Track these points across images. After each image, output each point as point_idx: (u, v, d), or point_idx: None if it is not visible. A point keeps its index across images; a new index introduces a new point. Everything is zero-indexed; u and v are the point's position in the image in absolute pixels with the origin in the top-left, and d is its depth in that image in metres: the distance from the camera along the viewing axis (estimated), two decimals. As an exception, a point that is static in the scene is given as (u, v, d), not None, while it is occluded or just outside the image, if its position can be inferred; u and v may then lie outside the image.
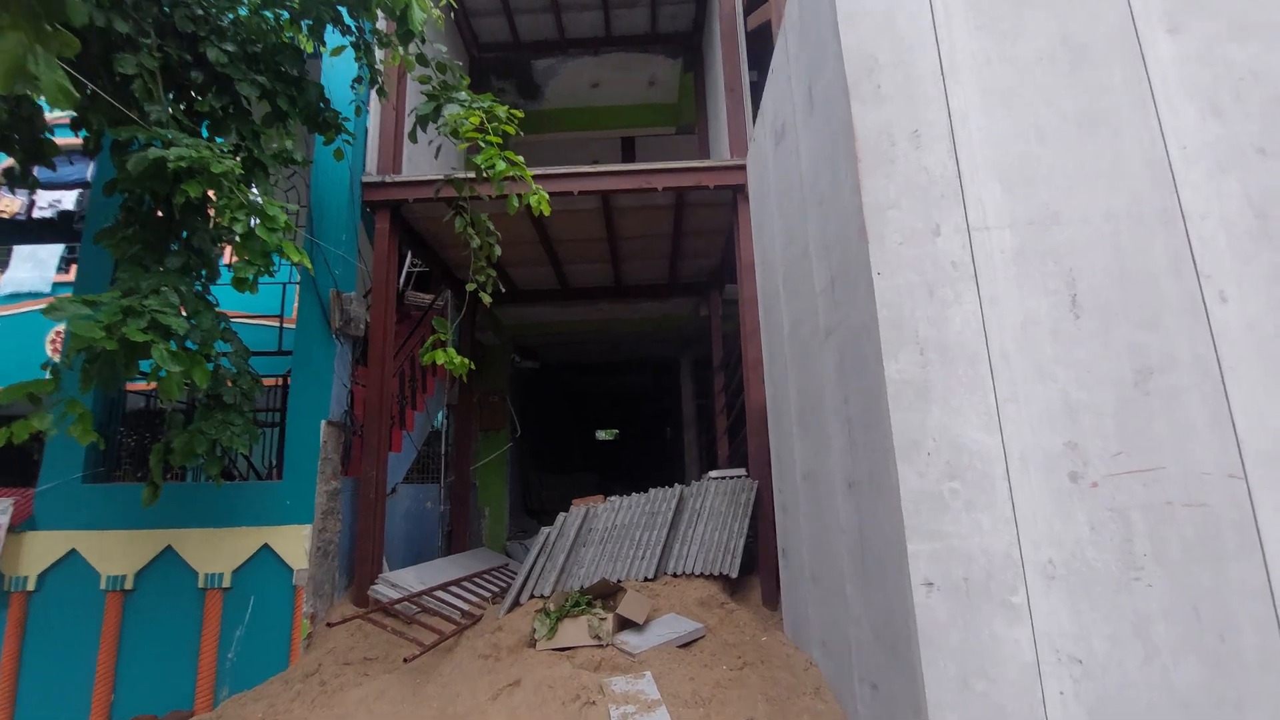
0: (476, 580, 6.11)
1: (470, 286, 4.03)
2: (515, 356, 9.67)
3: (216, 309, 4.59)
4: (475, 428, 9.32)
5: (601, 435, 21.47)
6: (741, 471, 5.12)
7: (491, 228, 4.11)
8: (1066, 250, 2.37)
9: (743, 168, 5.53)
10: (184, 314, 3.65)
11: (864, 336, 2.51)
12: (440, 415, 9.13)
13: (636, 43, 8.72)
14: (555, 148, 10.55)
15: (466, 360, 4.06)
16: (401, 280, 10.65)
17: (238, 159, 3.99)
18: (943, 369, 2.28)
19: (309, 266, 3.51)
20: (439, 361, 3.93)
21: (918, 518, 2.18)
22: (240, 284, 3.29)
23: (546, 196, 3.78)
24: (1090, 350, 2.28)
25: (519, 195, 3.85)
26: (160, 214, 3.86)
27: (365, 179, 5.64)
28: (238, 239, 3.26)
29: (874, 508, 2.47)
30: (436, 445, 8.17)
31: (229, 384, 4.37)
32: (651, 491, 5.20)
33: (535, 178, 5.57)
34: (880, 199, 2.43)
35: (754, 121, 5.75)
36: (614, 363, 11.96)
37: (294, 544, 4.83)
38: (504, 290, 8.51)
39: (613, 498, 5.26)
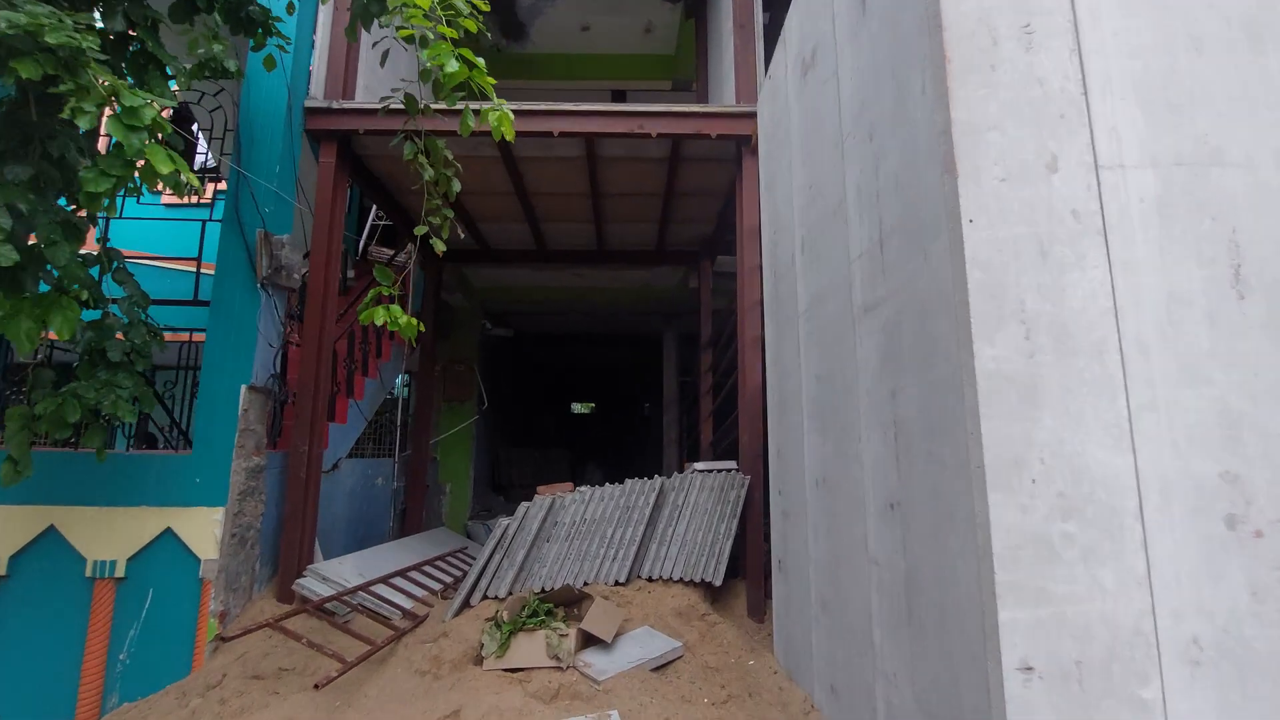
0: (427, 569, 5.41)
1: (420, 230, 3.25)
2: (485, 323, 8.87)
3: (110, 245, 3.75)
4: (439, 397, 8.54)
5: (577, 408, 20.78)
6: (731, 465, 4.47)
7: (450, 157, 3.33)
8: (1228, 204, 1.69)
9: (751, 116, 4.78)
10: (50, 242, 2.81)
11: (935, 310, 1.82)
12: (400, 381, 8.34)
13: (632, -19, 7.83)
14: (538, 97, 9.61)
15: (415, 321, 3.30)
16: (365, 234, 9.77)
17: (127, 52, 3.13)
18: (1058, 360, 1.60)
19: (193, 183, 2.70)
20: (378, 322, 3.17)
21: (1015, 570, 1.51)
22: (91, 201, 2.47)
23: (510, 117, 3.01)
24: (1259, 345, 1.62)
25: (475, 112, 3.05)
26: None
27: (309, 104, 4.76)
28: (90, 140, 2.44)
29: (934, 544, 1.81)
30: (392, 415, 7.39)
31: (120, 337, 3.56)
32: (628, 483, 4.53)
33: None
34: (976, 116, 1.71)
35: (766, 67, 4.99)
36: (592, 334, 11.20)
37: (202, 529, 4.07)
38: (476, 247, 7.70)
39: (583, 488, 4.58)
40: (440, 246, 3.27)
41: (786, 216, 3.50)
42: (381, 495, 6.67)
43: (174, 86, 4.62)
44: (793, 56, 3.39)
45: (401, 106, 3.36)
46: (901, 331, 2.05)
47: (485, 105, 3.12)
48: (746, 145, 4.82)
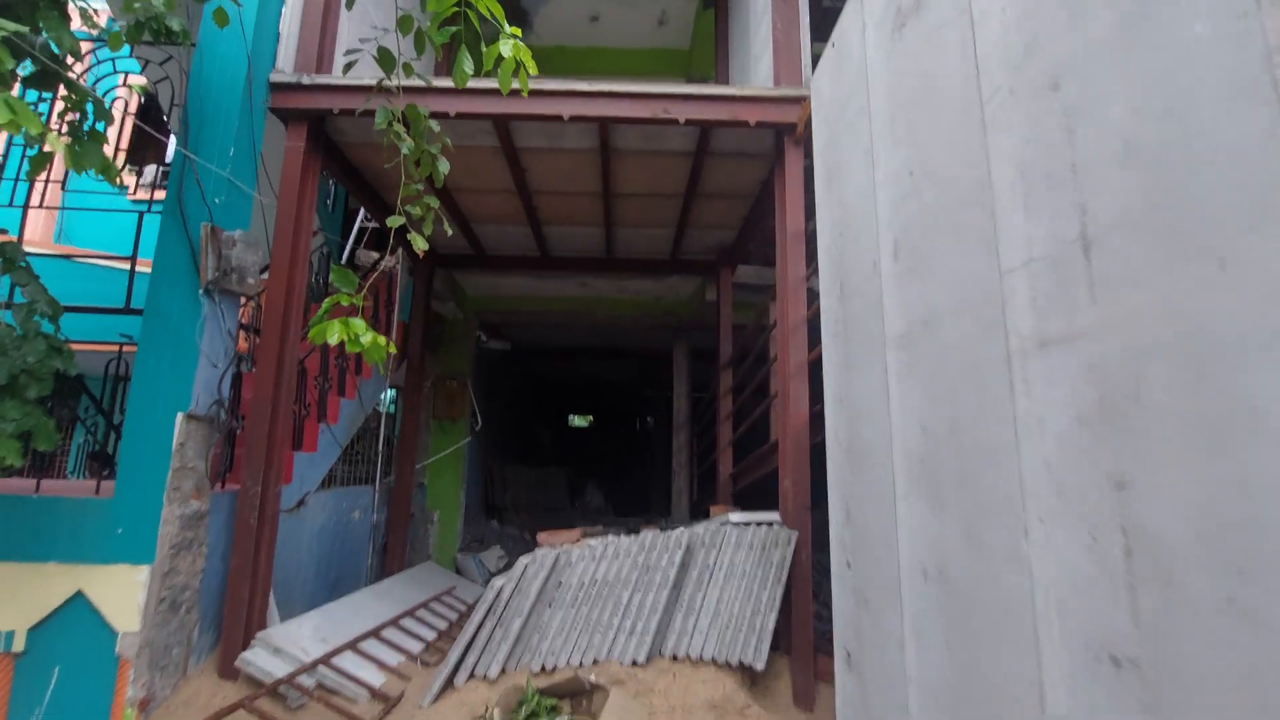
0: (407, 622, 4.58)
1: (395, 220, 2.45)
2: (480, 335, 8.07)
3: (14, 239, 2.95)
4: (428, 416, 7.73)
5: (575, 422, 19.92)
6: (773, 517, 3.67)
7: (436, 129, 2.56)
8: None
9: (795, 101, 4.02)
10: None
11: (1242, 353, 1.04)
12: (388, 398, 7.52)
13: (647, -34, 7.10)
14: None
15: (384, 342, 2.50)
16: (352, 237, 8.99)
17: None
18: None
19: (55, 145, 1.92)
20: (330, 340, 2.37)
21: None
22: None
23: (529, 54, 2.21)
24: None
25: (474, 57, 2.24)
26: None
27: (274, 77, 3.98)
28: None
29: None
30: (373, 437, 6.56)
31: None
32: (647, 534, 3.72)
33: (512, 94, 3.98)
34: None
35: (809, 44, 4.24)
36: (595, 348, 10.40)
37: (122, 593, 3.24)
38: (471, 251, 6.92)
39: (592, 540, 3.76)
40: (421, 244, 2.47)
41: (863, 213, 2.72)
42: (358, 530, 5.83)
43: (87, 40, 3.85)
44: (877, 10, 2.63)
45: (370, 83, 2.59)
46: (1141, 384, 1.26)
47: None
48: (790, 134, 4.05)
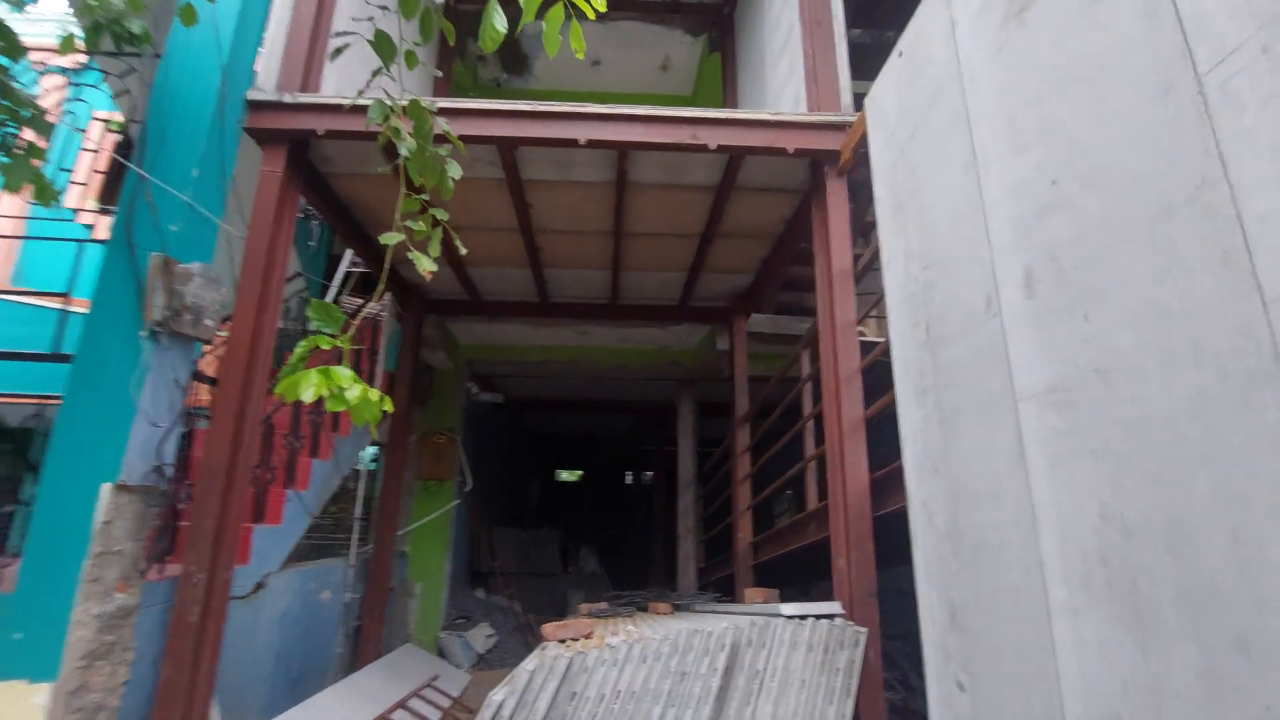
0: (380, 734, 3.78)
1: (390, 238, 1.88)
2: (471, 386, 7.43)
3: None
4: (413, 476, 6.99)
5: (566, 477, 19.02)
6: (834, 608, 3.02)
7: (445, 127, 2.02)
8: None
9: (840, 128, 3.59)
10: None
11: None
12: (368, 456, 6.80)
13: (652, 10, 6.86)
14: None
15: (377, 398, 1.89)
16: (335, 283, 8.43)
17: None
18: None
19: None
20: (304, 397, 1.77)
21: None
22: None
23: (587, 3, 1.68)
24: None
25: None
26: None
27: (252, 94, 3.48)
28: None
29: None
30: (350, 498, 5.81)
31: None
32: (680, 632, 3.03)
33: (522, 114, 3.52)
34: None
35: (848, 70, 3.85)
36: (593, 401, 9.78)
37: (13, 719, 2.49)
38: (465, 296, 6.36)
39: (613, 639, 3.07)
40: (427, 264, 1.90)
41: (962, 239, 2.21)
42: (327, 613, 5.03)
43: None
44: (974, 2, 2.19)
45: (366, 102, 2.06)
46: None
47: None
48: (831, 164, 3.60)
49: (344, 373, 1.88)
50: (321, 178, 4.13)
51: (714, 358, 6.82)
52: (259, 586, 3.89)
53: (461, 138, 3.52)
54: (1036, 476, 1.80)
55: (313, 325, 1.99)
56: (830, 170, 3.62)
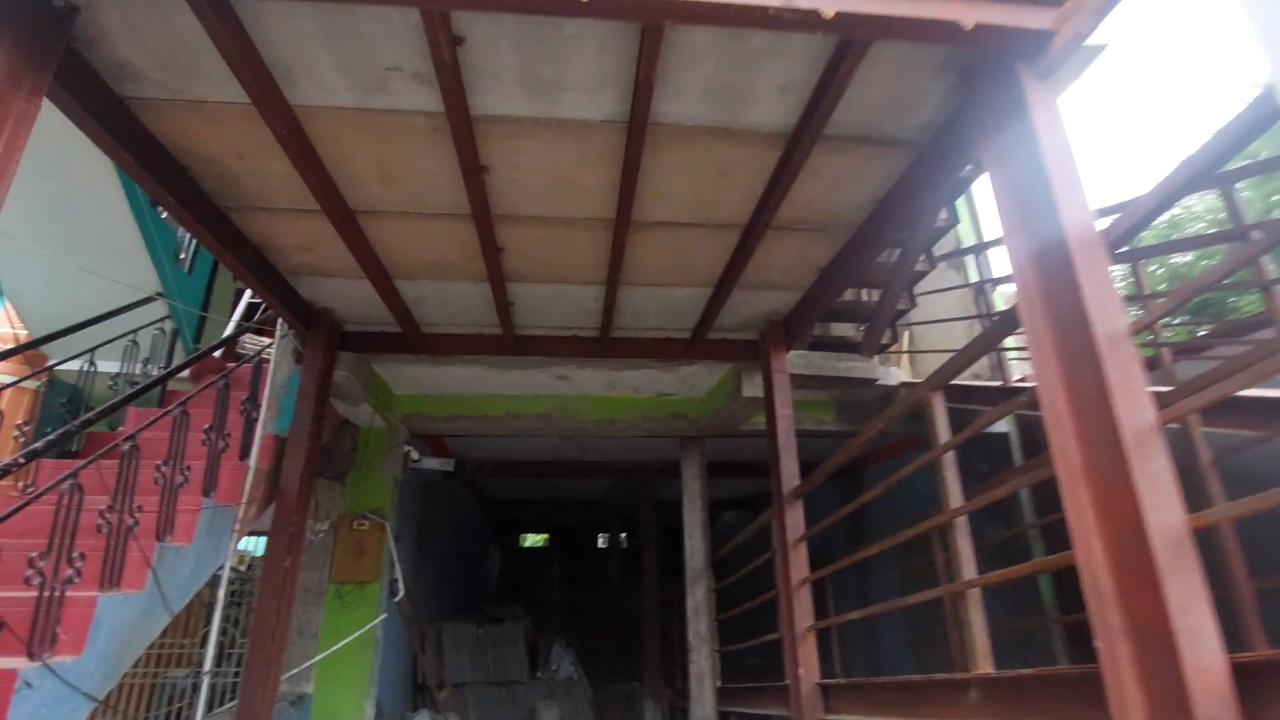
0: None
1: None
2: (411, 451, 5.46)
3: None
4: (321, 579, 4.92)
5: (530, 541, 16.68)
6: None
7: None
8: None
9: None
10: None
11: None
12: (246, 548, 4.71)
13: None
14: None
15: None
16: (236, 314, 6.52)
17: None
18: None
19: None
20: None
21: None
22: None
23: None
24: None
25: None
26: None
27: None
28: None
29: None
30: (199, 621, 3.71)
31: None
32: None
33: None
34: None
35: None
36: (572, 463, 7.83)
37: None
38: (397, 328, 4.50)
39: None
40: None
41: None
42: None
43: None
44: None
45: None
46: None
47: None
48: (1043, 50, 1.96)
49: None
50: (119, 102, 2.31)
51: (732, 408, 5.07)
52: None
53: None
54: None
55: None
56: (1027, 70, 1.97)
